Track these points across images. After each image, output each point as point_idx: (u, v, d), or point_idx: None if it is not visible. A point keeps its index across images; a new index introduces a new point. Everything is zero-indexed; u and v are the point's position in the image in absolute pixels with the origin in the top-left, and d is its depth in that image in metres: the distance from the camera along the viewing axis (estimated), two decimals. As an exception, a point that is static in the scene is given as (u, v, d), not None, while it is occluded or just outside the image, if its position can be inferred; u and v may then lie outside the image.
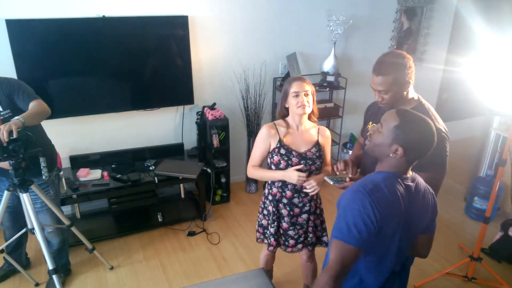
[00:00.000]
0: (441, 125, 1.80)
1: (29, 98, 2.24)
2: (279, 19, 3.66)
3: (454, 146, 2.01)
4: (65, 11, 2.92)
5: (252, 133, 3.76)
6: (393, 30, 4.22)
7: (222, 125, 3.52)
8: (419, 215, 1.51)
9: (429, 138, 1.43)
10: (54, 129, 2.83)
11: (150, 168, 3.34)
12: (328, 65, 3.84)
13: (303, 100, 2.08)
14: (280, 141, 2.15)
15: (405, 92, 1.83)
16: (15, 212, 2.55)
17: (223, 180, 3.75)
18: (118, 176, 3.19)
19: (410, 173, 1.50)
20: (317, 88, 3.78)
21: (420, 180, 1.54)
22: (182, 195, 3.77)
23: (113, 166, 3.35)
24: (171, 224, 3.44)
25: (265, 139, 2.18)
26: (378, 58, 1.82)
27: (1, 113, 2.22)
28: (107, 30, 3.06)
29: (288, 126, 2.19)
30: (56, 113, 3.03)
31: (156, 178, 3.22)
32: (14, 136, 1.94)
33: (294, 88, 2.10)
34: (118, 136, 3.46)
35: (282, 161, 2.14)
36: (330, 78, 3.85)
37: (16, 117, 2.04)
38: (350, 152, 3.93)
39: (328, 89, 3.91)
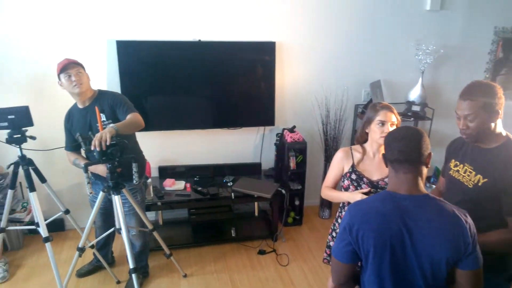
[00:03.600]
0: None
1: (128, 111, 2.50)
2: (365, 47, 3.66)
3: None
4: (166, 35, 3.24)
5: (329, 158, 3.76)
6: (488, 62, 3.97)
7: (300, 148, 3.57)
8: (426, 240, 1.38)
9: (400, 134, 1.47)
10: (147, 140, 3.12)
11: (228, 184, 3.49)
12: (414, 94, 3.72)
13: (389, 130, 2.01)
14: (353, 166, 2.13)
15: (492, 124, 1.70)
16: (106, 214, 2.82)
17: (296, 202, 3.77)
18: (199, 189, 3.38)
19: (416, 191, 1.43)
20: (401, 117, 3.66)
21: (436, 203, 1.42)
22: (256, 213, 3.86)
23: (195, 179, 3.56)
24: (243, 240, 3.53)
25: (339, 162, 2.18)
26: (467, 84, 1.73)
27: (105, 122, 2.51)
28: (201, 53, 3.32)
29: (364, 152, 2.15)
30: (150, 126, 3.35)
31: (233, 194, 3.36)
32: (108, 142, 2.15)
33: (380, 116, 2.04)
34: (202, 151, 3.69)
35: (351, 186, 2.11)
36: (415, 108, 3.73)
37: (111, 125, 2.28)
38: (434, 187, 3.72)
39: (413, 119, 3.78)
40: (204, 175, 3.62)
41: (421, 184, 1.46)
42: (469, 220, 1.42)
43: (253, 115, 3.60)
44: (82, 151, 2.65)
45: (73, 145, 2.64)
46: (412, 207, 1.41)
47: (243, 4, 3.31)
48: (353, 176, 2.12)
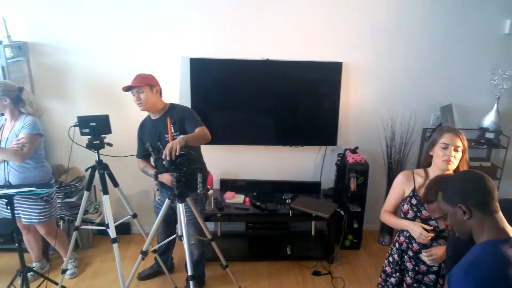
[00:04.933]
0: None
1: (196, 124, 2.63)
2: (436, 69, 3.54)
3: None
4: (236, 53, 3.38)
5: (392, 182, 3.63)
6: None
7: (362, 170, 3.50)
8: None
9: (472, 176, 1.32)
10: (211, 153, 3.25)
11: (287, 201, 3.50)
12: (488, 120, 3.52)
13: (451, 154, 1.94)
14: (414, 190, 2.07)
15: None
16: (167, 221, 2.95)
17: (355, 225, 3.68)
18: (258, 203, 3.43)
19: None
20: (473, 144, 3.49)
21: None
22: (313, 233, 3.82)
23: (254, 193, 3.61)
24: (298, 259, 3.50)
25: (399, 186, 2.14)
26: None
27: (173, 134, 2.65)
28: (268, 72, 3.41)
29: (427, 177, 2.07)
30: (215, 139, 3.45)
31: (290, 211, 3.36)
32: (177, 152, 2.26)
33: (445, 139, 1.97)
34: (263, 167, 3.75)
35: (410, 211, 2.05)
36: (489, 135, 3.51)
37: (181, 136, 2.40)
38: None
39: (485, 146, 3.56)
40: (263, 191, 3.66)
41: None
42: None
43: (315, 134, 3.60)
44: (151, 160, 2.82)
45: (143, 154, 2.82)
46: None
47: (311, 24, 3.37)
48: (413, 201, 2.06)
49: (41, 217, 2.93)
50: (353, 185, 3.50)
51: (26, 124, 2.80)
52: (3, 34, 3.12)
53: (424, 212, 2.02)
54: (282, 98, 3.49)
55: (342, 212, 3.41)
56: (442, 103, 3.57)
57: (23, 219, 2.92)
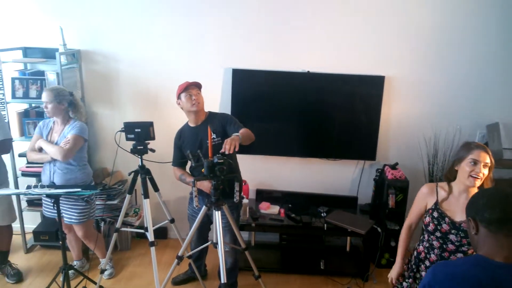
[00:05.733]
0: None
1: (239, 127, 2.70)
2: (484, 86, 3.41)
3: None
4: (277, 65, 3.42)
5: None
6: None
7: (401, 187, 3.41)
8: None
9: (502, 192, 1.28)
10: (248, 163, 3.29)
11: (322, 214, 3.46)
12: (539, 141, 3.35)
13: (480, 171, 1.94)
14: (436, 203, 2.08)
15: None
16: (202, 227, 2.98)
17: (392, 243, 3.57)
18: (293, 215, 3.41)
19: None
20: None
21: None
22: (348, 249, 3.75)
23: (289, 205, 3.60)
24: (331, 274, 3.44)
25: (422, 198, 2.16)
26: None
27: (214, 140, 2.70)
28: (308, 84, 3.43)
29: (450, 191, 2.08)
30: (253, 149, 3.50)
31: (325, 225, 3.32)
32: (237, 148, 2.34)
33: (474, 155, 1.96)
34: (299, 179, 3.73)
35: (431, 224, 2.07)
36: (539, 156, 3.34)
37: (235, 134, 2.46)
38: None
39: (535, 168, 3.38)
40: (298, 203, 3.64)
41: None
42: None
43: (354, 148, 3.56)
44: (187, 167, 2.90)
45: (180, 161, 2.90)
46: (510, 278, 1.25)
47: (352, 37, 3.36)
48: (435, 214, 2.07)
49: (80, 217, 3.05)
50: (391, 202, 3.41)
51: (75, 126, 2.96)
52: (59, 42, 3.31)
53: (444, 226, 2.04)
54: (322, 111, 3.49)
55: (379, 229, 3.33)
56: (489, 121, 3.43)
57: (65, 219, 3.06)
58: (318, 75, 3.39)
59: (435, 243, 2.10)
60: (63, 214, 3.03)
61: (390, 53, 3.38)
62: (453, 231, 2.01)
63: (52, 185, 2.93)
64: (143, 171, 2.82)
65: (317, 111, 3.49)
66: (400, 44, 3.36)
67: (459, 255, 2.02)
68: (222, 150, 2.34)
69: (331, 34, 3.36)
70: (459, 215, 2.02)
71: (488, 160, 1.96)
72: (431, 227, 2.08)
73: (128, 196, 2.90)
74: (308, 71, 3.40)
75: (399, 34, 3.34)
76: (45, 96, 2.89)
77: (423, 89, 3.46)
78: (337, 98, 3.45)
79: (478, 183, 1.97)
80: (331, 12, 3.32)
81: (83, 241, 3.25)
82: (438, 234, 2.06)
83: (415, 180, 3.60)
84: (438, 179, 3.47)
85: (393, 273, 2.30)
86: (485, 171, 1.97)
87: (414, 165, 3.61)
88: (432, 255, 2.12)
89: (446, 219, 2.03)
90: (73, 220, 3.05)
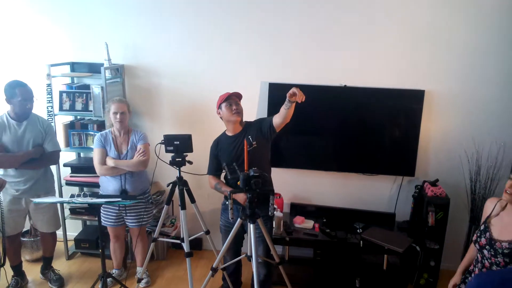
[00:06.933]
0: None
1: (270, 119, 2.79)
2: (531, 101, 3.28)
3: None
4: (314, 79, 3.43)
5: (475, 219, 3.38)
6: None
7: (442, 204, 3.29)
8: None
9: None
10: (282, 176, 3.29)
11: (358, 230, 3.39)
12: None
13: None
14: (488, 217, 2.10)
15: None
16: (236, 239, 2.97)
17: (432, 263, 3.44)
18: (327, 230, 3.36)
19: None
20: None
21: None
22: (384, 267, 3.64)
23: (324, 220, 3.55)
24: (368, 293, 3.36)
25: (484, 211, 2.20)
26: None
27: (250, 148, 2.70)
28: (345, 98, 3.41)
29: (503, 208, 2.08)
30: (288, 163, 3.52)
31: (361, 242, 3.25)
32: (303, 99, 2.56)
33: None
34: (334, 194, 3.69)
35: (475, 235, 2.14)
36: None
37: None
38: None
39: None
40: (333, 218, 3.59)
41: None
42: None
43: (392, 163, 3.49)
44: (221, 177, 2.95)
45: (216, 171, 2.93)
46: None
47: (391, 50, 3.33)
48: (482, 227, 2.09)
49: (148, 219, 3.31)
50: (431, 220, 3.30)
51: (142, 136, 3.18)
52: (105, 57, 3.48)
53: (483, 240, 2.07)
54: (359, 125, 3.45)
55: (417, 248, 3.22)
56: (537, 137, 3.28)
57: (132, 224, 3.24)
58: (355, 89, 3.37)
59: (478, 256, 2.12)
60: (129, 221, 3.21)
61: (430, 67, 3.31)
62: (487, 247, 2.03)
63: (124, 192, 3.13)
64: (181, 183, 2.88)
65: (354, 125, 3.45)
66: (441, 58, 3.29)
67: None
68: (294, 98, 2.55)
69: (368, 48, 3.34)
70: (504, 235, 1.99)
71: None
72: (475, 237, 2.13)
73: (166, 207, 2.97)
74: (345, 85, 3.38)
75: (439, 46, 3.27)
76: (122, 107, 3.10)
77: (465, 103, 3.36)
78: (374, 112, 3.41)
79: None
80: (369, 26, 3.30)
81: (139, 244, 3.37)
82: (477, 246, 2.10)
83: (456, 198, 3.47)
84: (481, 197, 3.33)
85: (450, 283, 2.30)
86: None
87: (456, 182, 3.49)
88: (476, 269, 2.13)
89: (487, 234, 2.05)
90: (143, 222, 3.26)
